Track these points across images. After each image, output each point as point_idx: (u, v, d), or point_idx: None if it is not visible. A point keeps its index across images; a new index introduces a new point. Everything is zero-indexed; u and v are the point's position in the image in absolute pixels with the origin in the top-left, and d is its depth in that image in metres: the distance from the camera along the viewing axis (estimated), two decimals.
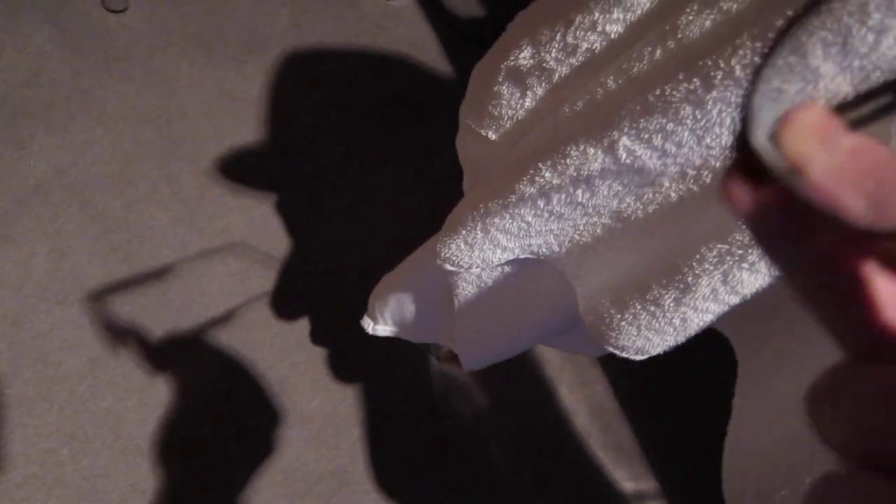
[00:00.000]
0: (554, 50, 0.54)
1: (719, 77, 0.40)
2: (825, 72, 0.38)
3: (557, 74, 0.54)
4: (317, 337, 1.07)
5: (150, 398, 0.96)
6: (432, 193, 1.21)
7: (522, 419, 1.15)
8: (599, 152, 0.46)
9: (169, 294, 1.03)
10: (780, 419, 0.48)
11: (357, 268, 1.13)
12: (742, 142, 0.17)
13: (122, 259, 1.02)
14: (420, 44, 1.37)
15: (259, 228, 1.11)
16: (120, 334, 0.98)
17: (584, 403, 1.20)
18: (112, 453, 0.93)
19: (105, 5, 1.16)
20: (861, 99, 0.18)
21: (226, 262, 1.07)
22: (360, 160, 1.22)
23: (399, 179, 1.22)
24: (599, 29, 0.51)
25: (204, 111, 1.16)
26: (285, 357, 1.04)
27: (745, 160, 0.17)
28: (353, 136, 1.24)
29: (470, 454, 1.11)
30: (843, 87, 0.39)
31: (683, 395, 1.24)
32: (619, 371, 1.23)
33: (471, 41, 1.36)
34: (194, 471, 0.96)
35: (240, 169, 1.14)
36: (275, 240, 1.11)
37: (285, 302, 1.07)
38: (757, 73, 0.18)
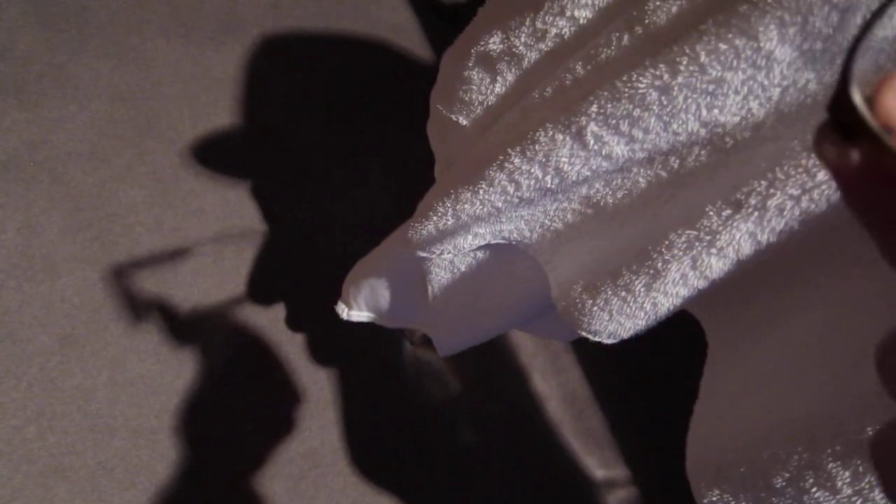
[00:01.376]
0: (523, 35, 0.54)
1: (685, 63, 0.40)
2: (781, 56, 0.38)
3: (527, 60, 0.55)
4: (290, 319, 1.07)
5: (119, 376, 0.96)
6: (411, 178, 1.21)
7: (495, 405, 1.15)
8: (568, 138, 0.46)
9: (140, 273, 1.03)
10: (747, 397, 0.49)
11: (332, 251, 1.13)
12: (836, 100, 0.18)
13: (94, 237, 1.01)
14: (401, 28, 1.36)
15: (234, 210, 1.11)
16: (92, 311, 0.97)
17: (557, 390, 1.20)
18: (80, 431, 0.92)
19: None
20: None
21: (199, 242, 1.07)
22: (338, 143, 1.21)
23: (377, 163, 1.22)
24: (568, 14, 0.51)
25: (180, 90, 1.15)
26: (257, 338, 1.04)
27: (836, 119, 0.18)
28: (331, 119, 1.23)
29: (442, 438, 1.11)
30: (804, 73, 0.39)
31: (656, 384, 1.25)
32: (592, 359, 1.23)
33: (452, 25, 1.35)
34: (162, 451, 0.96)
35: (215, 149, 1.14)
36: (249, 221, 1.11)
37: (258, 284, 1.07)
38: (857, 41, 0.18)
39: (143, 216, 1.05)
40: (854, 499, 0.38)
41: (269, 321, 1.06)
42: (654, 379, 1.24)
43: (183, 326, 1.02)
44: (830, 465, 0.38)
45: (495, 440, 1.14)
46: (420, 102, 1.24)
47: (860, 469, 0.37)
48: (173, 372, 0.99)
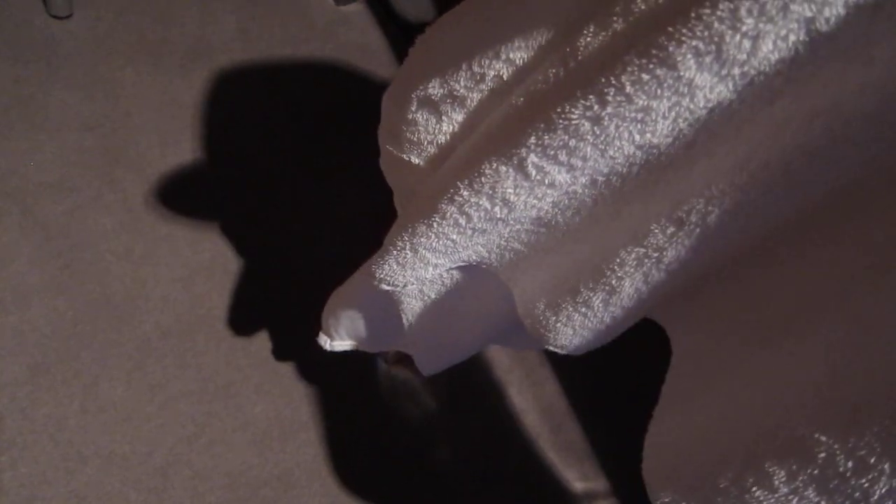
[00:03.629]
0: (462, 79, 0.55)
1: (612, 94, 0.41)
2: (701, 83, 0.39)
3: (469, 100, 0.56)
4: (262, 342, 1.07)
5: (91, 404, 0.96)
6: (384, 199, 1.22)
7: (471, 420, 1.16)
8: (511, 169, 0.47)
9: (112, 300, 1.03)
10: (700, 402, 0.50)
11: (305, 275, 1.14)
12: None
13: (64, 266, 1.01)
14: (371, 49, 1.38)
15: (204, 235, 1.11)
16: (62, 339, 0.97)
17: (534, 404, 1.21)
18: (52, 460, 0.92)
19: (49, 11, 1.15)
20: None
21: (170, 268, 1.07)
22: (309, 167, 1.22)
23: (350, 186, 1.23)
24: (503, 57, 0.52)
25: (149, 118, 1.16)
26: (229, 361, 1.04)
27: None
28: (302, 142, 1.24)
29: (419, 456, 1.11)
30: (726, 95, 0.40)
31: (634, 395, 1.25)
32: (569, 371, 1.24)
33: None
34: (134, 477, 0.95)
35: (185, 176, 1.14)
36: (220, 247, 1.11)
37: (229, 307, 1.07)
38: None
39: (112, 244, 1.06)
40: (790, 497, 0.39)
41: (242, 344, 1.06)
42: (632, 390, 1.25)
43: (154, 352, 1.02)
44: (768, 465, 0.39)
45: (473, 456, 1.15)
46: None
47: (794, 468, 0.38)
48: (145, 398, 0.99)
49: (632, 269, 0.47)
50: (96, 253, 1.04)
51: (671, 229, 0.44)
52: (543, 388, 1.23)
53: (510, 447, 1.18)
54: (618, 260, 0.47)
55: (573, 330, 0.53)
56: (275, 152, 1.21)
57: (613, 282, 0.48)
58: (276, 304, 1.11)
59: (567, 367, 1.25)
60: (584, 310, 0.51)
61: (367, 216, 1.22)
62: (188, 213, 1.12)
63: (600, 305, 0.50)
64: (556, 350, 0.56)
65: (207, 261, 1.09)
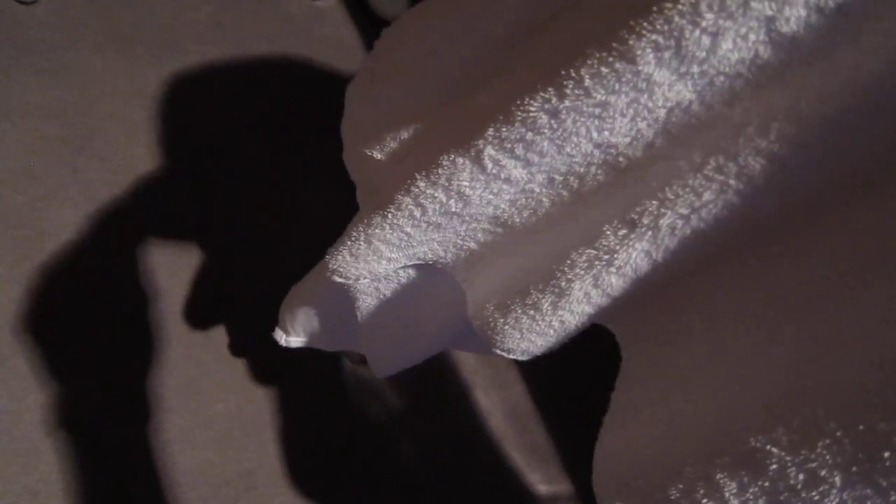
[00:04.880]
0: (426, 74, 0.54)
1: (570, 87, 0.40)
2: (660, 79, 0.39)
3: (432, 95, 0.55)
4: (228, 339, 1.06)
5: (47, 399, 0.94)
6: (353, 197, 1.21)
7: (436, 421, 1.15)
8: (467, 161, 0.46)
9: (71, 293, 1.01)
10: (651, 411, 0.49)
11: (274, 270, 1.12)
12: None
13: (24, 256, 0.99)
14: (345, 45, 1.36)
15: (170, 228, 1.09)
16: (20, 332, 0.95)
17: (500, 406, 1.20)
18: (6, 454, 0.90)
19: None
20: None
21: (133, 260, 1.05)
22: (281, 162, 1.21)
23: (322, 180, 1.22)
24: (467, 53, 0.52)
25: (116, 108, 1.14)
26: (191, 357, 1.03)
27: None
28: (274, 137, 1.23)
29: (383, 456, 1.10)
30: (686, 94, 0.40)
31: (599, 398, 1.25)
32: (535, 374, 1.24)
33: None
34: (94, 473, 0.94)
35: (152, 168, 1.12)
36: (184, 241, 1.09)
37: (193, 303, 1.06)
38: None
39: (74, 236, 1.04)
40: None
41: (204, 340, 1.05)
42: (598, 393, 1.25)
43: (115, 345, 1.00)
44: (719, 477, 0.39)
45: (438, 457, 1.14)
46: None
47: (745, 480, 0.38)
48: (104, 392, 0.97)
49: (581, 272, 0.46)
50: (58, 244, 1.02)
51: (623, 231, 0.43)
52: (509, 390, 1.23)
53: (475, 448, 1.18)
54: (568, 261, 0.47)
55: (520, 333, 0.52)
56: (244, 147, 1.20)
57: (563, 284, 0.47)
58: (240, 300, 1.09)
59: (533, 370, 1.24)
60: (532, 312, 0.50)
61: (338, 212, 1.20)
62: (153, 206, 1.10)
63: (549, 308, 0.49)
64: (502, 354, 0.55)
65: (171, 255, 1.07)
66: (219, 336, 1.06)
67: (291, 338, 0.83)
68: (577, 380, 1.26)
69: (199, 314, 1.05)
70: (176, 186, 1.12)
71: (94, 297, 1.02)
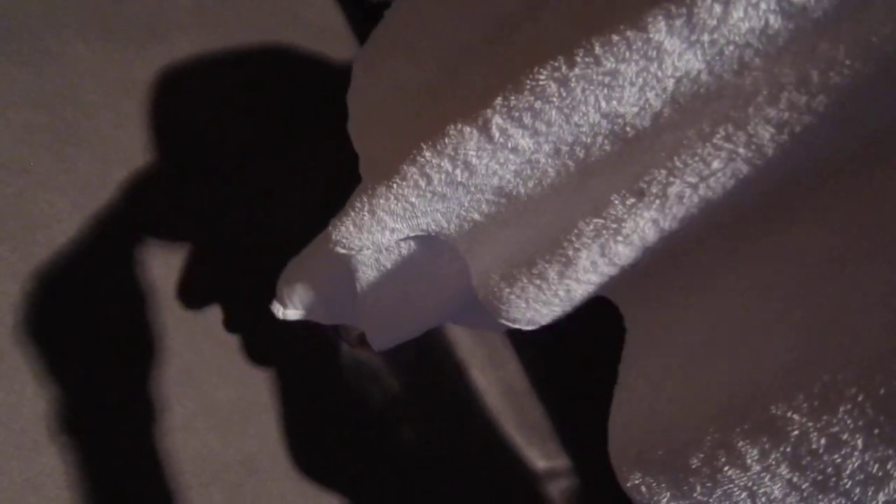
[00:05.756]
0: (432, 47, 0.55)
1: (581, 55, 0.41)
2: (671, 48, 0.39)
3: (438, 66, 0.55)
4: (223, 323, 1.06)
5: (45, 391, 0.93)
6: (342, 177, 1.20)
7: (434, 401, 1.16)
8: (475, 131, 0.47)
9: (64, 283, 1.00)
10: (664, 381, 0.50)
11: (264, 253, 1.12)
12: None
13: (13, 248, 0.98)
14: (329, 28, 1.36)
15: (161, 216, 1.09)
16: (14, 325, 0.95)
17: (496, 384, 1.21)
18: (6, 448, 0.89)
19: None
20: None
21: (125, 249, 1.04)
22: (268, 146, 1.20)
23: (308, 164, 1.21)
24: (473, 26, 0.52)
25: (103, 95, 1.12)
26: (190, 344, 1.03)
27: None
28: (261, 121, 1.22)
29: (382, 437, 1.11)
30: (695, 63, 0.40)
31: (594, 374, 1.27)
32: (530, 351, 1.25)
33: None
34: (95, 464, 0.93)
35: (141, 155, 1.11)
36: (177, 227, 1.09)
37: (189, 289, 1.05)
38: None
39: (65, 226, 1.03)
40: (763, 475, 0.39)
41: (202, 326, 1.05)
42: (592, 369, 1.26)
43: (111, 335, 1.00)
44: (740, 444, 0.39)
45: (436, 436, 1.15)
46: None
47: (766, 447, 0.38)
48: (102, 382, 0.96)
49: (589, 241, 0.46)
50: (48, 235, 1.01)
51: (631, 200, 0.44)
52: (505, 369, 1.24)
53: (473, 427, 1.19)
54: (575, 231, 0.47)
55: (526, 303, 0.53)
56: (232, 131, 1.19)
57: (570, 253, 0.48)
58: (237, 285, 1.09)
59: (529, 348, 1.25)
60: (538, 281, 0.50)
61: (326, 196, 1.20)
62: (144, 194, 1.09)
63: (555, 277, 0.49)
64: (507, 323, 0.56)
65: (165, 242, 1.07)
66: (216, 323, 1.06)
67: (289, 310, 0.83)
68: (570, 356, 1.27)
69: (196, 301, 1.05)
70: (167, 173, 1.12)
71: (88, 287, 1.01)
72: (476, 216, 0.55)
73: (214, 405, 1.01)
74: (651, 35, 0.38)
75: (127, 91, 1.14)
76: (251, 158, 1.18)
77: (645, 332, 0.54)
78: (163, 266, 1.06)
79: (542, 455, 1.21)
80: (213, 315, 1.06)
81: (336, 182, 1.20)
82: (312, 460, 1.05)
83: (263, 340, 1.07)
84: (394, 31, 0.57)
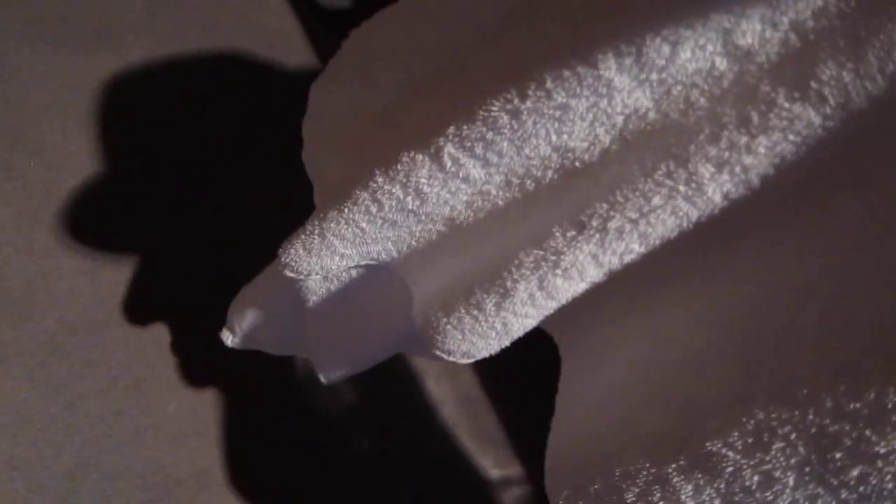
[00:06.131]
0: (391, 78, 0.55)
1: (532, 88, 0.41)
2: (620, 85, 0.40)
3: (397, 96, 0.55)
4: (175, 337, 1.04)
5: (6, 410, 0.91)
6: (302, 187, 1.20)
7: (389, 412, 1.16)
8: (427, 158, 0.47)
9: (12, 295, 0.97)
10: (599, 414, 0.51)
11: (220, 267, 1.11)
12: None
13: None
14: (285, 33, 1.34)
15: (112, 226, 1.07)
16: None
17: (451, 394, 1.22)
18: None
19: None
20: None
21: (74, 259, 1.02)
22: (223, 154, 1.19)
23: (266, 173, 1.20)
24: (433, 59, 0.53)
25: (50, 100, 1.10)
26: (140, 358, 1.01)
27: None
28: (212, 130, 1.20)
29: (338, 448, 1.11)
30: (643, 101, 0.41)
31: (546, 383, 1.28)
32: (485, 362, 1.25)
33: (337, 32, 1.35)
34: (39, 482, 0.91)
35: (90, 163, 1.09)
36: (129, 238, 1.07)
37: (139, 302, 1.04)
38: None
39: (12, 236, 1.00)
40: None
41: (153, 339, 1.03)
42: (544, 379, 1.28)
43: (59, 349, 0.97)
44: (675, 480, 0.40)
45: (391, 446, 1.15)
46: (305, 109, 1.23)
47: (700, 483, 0.39)
48: (49, 398, 0.94)
49: (528, 272, 0.47)
50: None
51: (571, 232, 0.45)
52: (459, 378, 1.24)
53: (428, 436, 1.19)
54: (516, 261, 0.48)
55: (462, 334, 0.53)
56: (186, 139, 1.17)
57: (508, 284, 0.48)
58: (188, 298, 1.07)
59: (483, 359, 1.26)
60: (475, 312, 0.51)
61: (279, 206, 1.19)
62: (93, 202, 1.07)
63: (492, 309, 0.50)
64: (442, 356, 0.56)
65: (115, 252, 1.05)
66: (168, 335, 1.04)
67: (238, 339, 0.82)
68: (525, 367, 1.29)
69: (146, 313, 1.03)
70: (116, 182, 1.09)
71: (34, 297, 0.98)
72: (425, 246, 0.55)
73: (165, 419, 1.00)
74: (601, 72, 0.39)
75: (76, 98, 1.12)
76: (204, 167, 1.17)
77: (580, 364, 0.55)
78: (112, 276, 1.04)
79: (496, 463, 1.22)
80: (164, 328, 1.04)
81: (290, 194, 1.19)
82: (267, 474, 1.04)
83: (215, 353, 1.06)
84: (350, 59, 0.57)
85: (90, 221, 1.05)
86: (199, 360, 1.04)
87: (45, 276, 1.00)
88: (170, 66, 1.22)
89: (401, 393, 1.19)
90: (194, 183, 1.15)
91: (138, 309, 1.04)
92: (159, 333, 1.04)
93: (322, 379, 0.77)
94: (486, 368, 1.26)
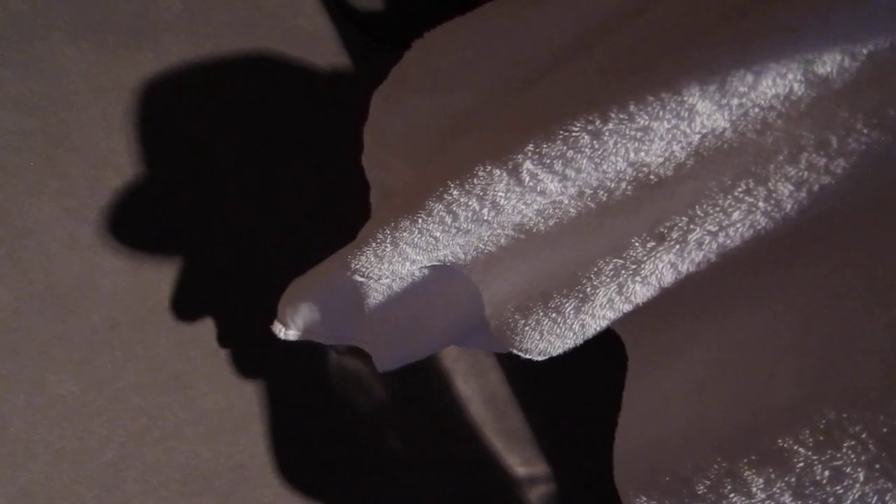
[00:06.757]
0: (456, 88, 0.57)
1: (615, 111, 0.43)
2: (702, 109, 0.42)
3: (461, 107, 0.57)
4: (215, 333, 1.06)
5: (37, 399, 0.93)
6: (331, 189, 1.22)
7: (419, 409, 1.18)
8: (504, 174, 0.49)
9: (57, 291, 1.00)
10: (670, 410, 0.53)
11: (254, 264, 1.13)
12: None
13: (5, 255, 0.98)
14: (318, 36, 1.36)
15: (152, 222, 1.09)
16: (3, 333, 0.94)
17: (479, 392, 1.24)
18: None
19: None
20: None
21: (117, 256, 1.04)
22: (256, 155, 1.21)
23: (296, 175, 1.22)
24: (501, 71, 0.55)
25: (92, 100, 1.12)
26: (180, 353, 1.03)
27: None
28: (248, 129, 1.22)
29: (369, 445, 1.13)
30: (720, 122, 0.43)
31: (573, 382, 1.30)
32: (512, 360, 1.27)
33: (370, 36, 1.37)
34: (85, 472, 0.94)
35: (132, 161, 1.11)
36: (168, 234, 1.09)
37: (180, 297, 1.06)
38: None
39: (57, 232, 1.02)
40: (766, 502, 0.42)
41: (192, 335, 1.05)
42: (571, 378, 1.30)
43: (103, 344, 1.00)
44: (746, 473, 0.42)
45: (421, 443, 1.17)
46: (338, 112, 1.25)
47: (772, 476, 0.41)
48: (93, 392, 0.97)
49: (607, 279, 0.49)
50: (40, 242, 1.00)
51: (651, 243, 0.47)
52: (488, 377, 1.26)
53: (456, 434, 1.21)
54: (595, 269, 0.50)
55: (540, 335, 0.55)
56: (221, 137, 1.19)
57: (588, 290, 0.50)
58: (227, 293, 1.09)
59: (510, 357, 1.28)
60: (554, 315, 0.53)
61: (314, 206, 1.21)
62: (135, 200, 1.09)
63: (571, 312, 0.52)
64: (518, 353, 0.58)
65: (156, 249, 1.07)
66: (207, 331, 1.06)
67: (291, 331, 0.84)
68: (551, 366, 1.30)
69: (187, 309, 1.05)
70: (157, 179, 1.11)
71: (79, 293, 1.01)
72: (493, 249, 0.57)
73: (204, 414, 1.02)
74: (685, 98, 0.41)
75: (117, 95, 1.14)
76: (239, 166, 1.19)
77: (649, 361, 0.57)
78: (153, 273, 1.06)
79: (522, 461, 1.24)
80: (203, 323, 1.06)
81: (324, 191, 1.21)
82: (302, 468, 1.06)
83: (253, 349, 1.08)
84: (416, 69, 0.59)
85: (132, 218, 1.08)
86: (238, 356, 1.06)
87: (90, 272, 1.02)
88: (207, 66, 1.24)
89: (429, 391, 1.21)
90: (231, 181, 1.17)
91: (178, 305, 1.06)
92: (199, 329, 1.06)
93: (378, 367, 0.79)
94: (513, 367, 1.28)
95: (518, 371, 1.28)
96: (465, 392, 1.24)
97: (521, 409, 1.27)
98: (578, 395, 1.27)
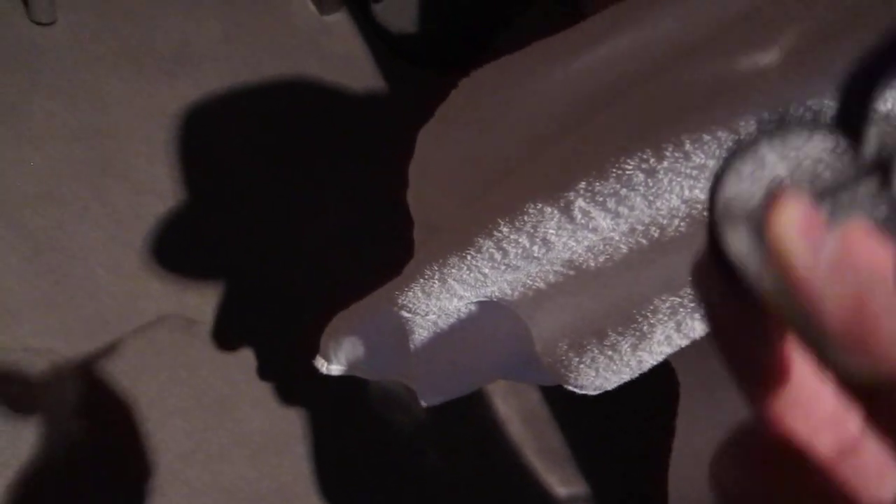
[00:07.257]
0: (503, 127, 0.57)
1: (670, 150, 0.43)
2: (769, 160, 0.42)
3: (508, 146, 0.58)
4: (257, 356, 1.08)
5: (87, 416, 0.95)
6: (365, 213, 1.23)
7: (459, 429, 1.18)
8: (556, 211, 0.49)
9: (104, 315, 1.02)
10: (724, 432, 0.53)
11: (292, 286, 1.14)
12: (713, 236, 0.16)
13: (55, 281, 1.00)
14: (353, 60, 1.38)
15: (194, 247, 1.11)
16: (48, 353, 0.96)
17: (518, 412, 1.24)
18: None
19: (31, 17, 1.12)
20: (842, 185, 0.16)
21: (162, 281, 1.06)
22: (293, 179, 1.22)
23: (334, 196, 1.23)
24: (547, 108, 0.55)
25: (136, 127, 1.14)
26: (225, 376, 1.04)
27: (715, 248, 0.16)
28: (284, 153, 1.24)
29: (410, 465, 1.13)
30: (781, 170, 0.43)
31: (611, 402, 1.30)
32: None
33: (404, 58, 1.38)
34: (130, 493, 0.95)
35: (173, 186, 1.13)
36: (210, 259, 1.11)
37: (222, 321, 1.07)
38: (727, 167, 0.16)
39: (102, 258, 1.04)
40: None
41: (235, 358, 1.07)
42: (610, 397, 1.29)
43: (148, 368, 1.01)
44: None
45: (461, 463, 1.17)
46: (373, 135, 1.26)
47: None
48: (141, 415, 0.98)
49: (665, 317, 0.49)
50: (86, 267, 1.03)
51: None
52: (526, 397, 1.26)
53: (496, 454, 1.21)
54: (651, 307, 0.49)
55: (596, 371, 0.55)
56: (260, 162, 1.21)
57: (645, 328, 0.50)
58: (268, 317, 1.11)
59: None
60: (610, 353, 0.53)
61: (350, 229, 1.22)
62: (177, 225, 1.11)
63: (628, 350, 0.52)
64: (573, 389, 0.58)
65: (199, 274, 1.09)
66: (250, 353, 1.07)
67: (333, 366, 0.84)
68: None
69: (229, 332, 1.07)
70: (199, 205, 1.13)
71: (125, 317, 1.03)
72: (541, 285, 0.57)
73: (249, 436, 1.03)
74: (742, 136, 0.41)
75: (159, 123, 1.16)
76: (278, 191, 1.20)
77: (705, 393, 0.57)
78: (197, 297, 1.08)
79: (561, 481, 1.24)
80: (247, 346, 1.08)
81: (360, 214, 1.23)
82: (344, 488, 1.07)
83: (294, 372, 1.09)
84: (463, 108, 0.59)
85: (175, 244, 1.09)
86: (281, 378, 1.08)
87: (135, 298, 1.04)
88: (245, 90, 1.26)
89: (469, 410, 1.21)
90: (270, 206, 1.18)
91: (221, 329, 1.07)
92: (241, 352, 1.07)
93: (423, 403, 0.79)
94: (552, 387, 1.28)
95: (557, 390, 1.27)
96: (504, 411, 1.24)
97: (561, 429, 1.27)
98: (618, 414, 1.26)
